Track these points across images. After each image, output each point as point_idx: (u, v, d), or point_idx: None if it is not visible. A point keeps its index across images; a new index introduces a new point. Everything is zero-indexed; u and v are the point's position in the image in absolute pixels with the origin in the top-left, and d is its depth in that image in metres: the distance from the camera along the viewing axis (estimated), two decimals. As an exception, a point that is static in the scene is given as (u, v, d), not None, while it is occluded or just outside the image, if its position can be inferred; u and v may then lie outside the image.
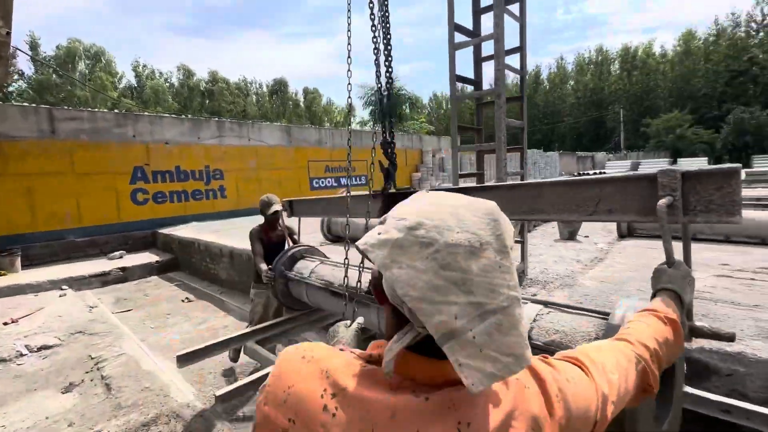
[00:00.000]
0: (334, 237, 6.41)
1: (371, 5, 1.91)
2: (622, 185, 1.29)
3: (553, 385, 0.55)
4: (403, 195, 2.15)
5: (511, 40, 3.16)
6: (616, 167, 28.73)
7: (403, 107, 25.37)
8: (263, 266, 3.20)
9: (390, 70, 2.04)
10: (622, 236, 5.31)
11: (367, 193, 2.26)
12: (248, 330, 2.89)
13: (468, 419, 0.47)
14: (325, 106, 52.28)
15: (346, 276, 1.96)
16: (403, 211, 0.51)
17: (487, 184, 1.67)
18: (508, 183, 1.56)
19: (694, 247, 4.60)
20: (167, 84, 41.03)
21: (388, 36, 1.94)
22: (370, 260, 0.49)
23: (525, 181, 1.54)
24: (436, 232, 0.46)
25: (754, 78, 37.87)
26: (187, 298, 6.30)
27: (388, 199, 2.09)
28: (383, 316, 1.91)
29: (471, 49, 3.48)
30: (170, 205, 10.24)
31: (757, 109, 32.72)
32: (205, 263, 7.32)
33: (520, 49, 3.27)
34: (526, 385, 0.54)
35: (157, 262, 8.13)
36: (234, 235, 7.76)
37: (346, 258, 2.00)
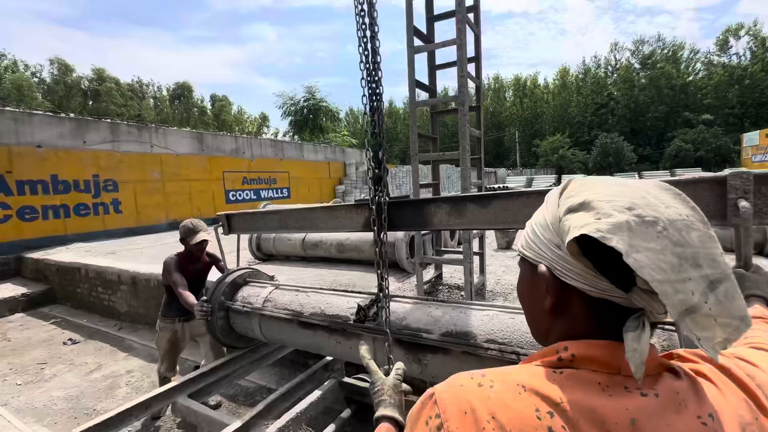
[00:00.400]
0: (265, 255, 5.74)
1: (361, 29, 1.66)
2: (680, 188, 1.20)
3: (743, 375, 0.51)
4: (400, 204, 1.85)
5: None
6: (515, 182, 32.83)
7: (324, 120, 24.90)
8: (190, 297, 2.61)
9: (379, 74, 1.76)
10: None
11: (347, 203, 1.91)
12: (176, 383, 2.25)
13: (707, 411, 0.45)
14: (236, 114, 49.16)
15: (383, 306, 1.57)
16: (603, 193, 0.47)
17: (510, 191, 1.48)
18: (538, 189, 1.41)
19: None
20: (35, 79, 34.38)
21: (377, 56, 1.70)
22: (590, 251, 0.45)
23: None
24: (652, 210, 0.45)
25: (612, 110, 46.37)
26: (70, 339, 5.00)
27: (380, 209, 1.76)
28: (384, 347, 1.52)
29: (423, 56, 3.37)
30: (43, 222, 8.26)
31: (615, 135, 39.98)
32: (96, 293, 5.97)
33: (476, 59, 3.25)
34: (722, 379, 0.51)
35: (23, 295, 6.39)
36: (135, 257, 6.52)
37: (384, 279, 1.61)
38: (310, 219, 2.14)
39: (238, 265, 2.82)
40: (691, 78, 45.54)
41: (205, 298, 2.46)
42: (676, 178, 1.26)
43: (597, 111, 47.27)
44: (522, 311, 1.59)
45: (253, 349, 2.65)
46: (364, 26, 1.73)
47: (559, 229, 0.49)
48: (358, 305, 1.87)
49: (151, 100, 43.04)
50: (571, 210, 0.48)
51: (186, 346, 3.15)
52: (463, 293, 3.50)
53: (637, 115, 44.87)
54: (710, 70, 45.03)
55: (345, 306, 1.97)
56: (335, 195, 17.23)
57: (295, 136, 25.00)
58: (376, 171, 1.87)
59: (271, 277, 2.86)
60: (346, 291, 2.11)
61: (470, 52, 3.26)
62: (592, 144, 41.87)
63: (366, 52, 1.65)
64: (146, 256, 6.56)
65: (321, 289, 2.22)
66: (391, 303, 1.88)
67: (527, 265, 0.56)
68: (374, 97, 1.85)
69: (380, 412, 0.89)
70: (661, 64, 45.17)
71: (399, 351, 1.70)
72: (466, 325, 1.60)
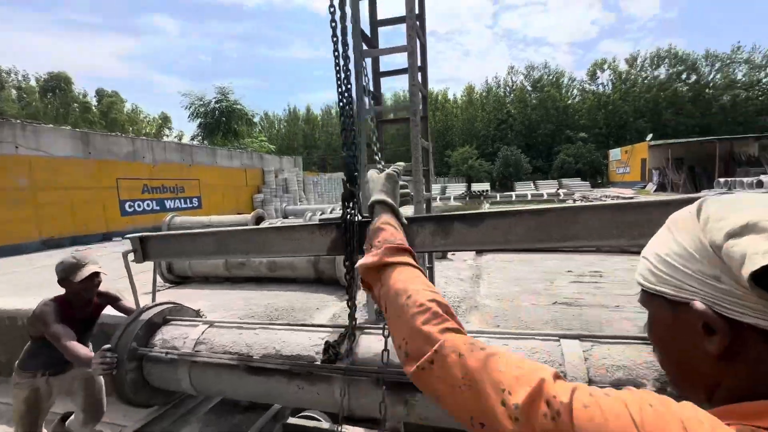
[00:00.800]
0: (178, 278, 4.93)
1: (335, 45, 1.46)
2: (667, 208, 1.21)
3: None
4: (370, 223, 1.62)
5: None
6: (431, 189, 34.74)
7: (239, 123, 23.00)
8: (82, 349, 2.01)
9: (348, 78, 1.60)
10: (478, 251, 5.94)
11: (310, 223, 1.62)
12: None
13: None
14: (129, 113, 43.36)
15: (355, 340, 1.29)
16: (748, 215, 0.41)
17: (508, 209, 1.38)
18: (534, 208, 1.35)
19: (542, 256, 5.42)
20: None
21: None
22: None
23: (555, 206, 1.33)
24: None
25: (511, 126, 52.07)
26: None
27: (351, 230, 1.53)
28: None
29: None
30: None
31: (514, 149, 44.90)
32: (-70, 340, 4.48)
33: (422, 69, 3.19)
34: None
35: None
36: (-7, 287, 5.11)
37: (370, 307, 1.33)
38: (259, 242, 1.78)
39: (154, 299, 2.28)
40: (570, 101, 53.46)
41: (108, 346, 1.90)
42: (677, 197, 1.28)
43: (498, 126, 52.61)
44: (515, 336, 1.48)
45: (177, 404, 2.15)
46: (336, 41, 1.52)
47: (714, 257, 0.42)
48: (327, 342, 1.58)
49: (14, 91, 35.71)
50: (734, 234, 0.41)
51: (51, 407, 2.44)
52: (415, 310, 3.37)
53: (530, 131, 51.05)
54: (584, 95, 53.47)
55: (306, 343, 1.67)
56: (253, 204, 16.06)
57: (205, 141, 22.73)
58: (348, 186, 1.66)
59: (197, 312, 2.38)
60: (305, 325, 1.80)
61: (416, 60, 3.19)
62: (495, 155, 46.36)
63: (339, 66, 1.46)
64: (10, 284, 5.19)
65: (271, 324, 1.87)
66: (364, 336, 1.63)
67: (664, 304, 0.48)
68: (346, 104, 1.66)
69: (374, 197, 0.96)
70: (547, 88, 52.21)
71: (378, 392, 1.46)
72: (458, 359, 1.43)
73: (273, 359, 1.65)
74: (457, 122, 56.61)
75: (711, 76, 46.94)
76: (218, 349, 1.79)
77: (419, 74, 3.18)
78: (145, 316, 2.04)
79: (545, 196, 25.88)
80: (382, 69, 3.44)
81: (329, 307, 3.70)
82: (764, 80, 44.69)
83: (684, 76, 47.33)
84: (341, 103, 1.73)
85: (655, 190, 28.91)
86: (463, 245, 1.49)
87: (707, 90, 46.27)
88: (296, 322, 1.85)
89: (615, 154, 39.21)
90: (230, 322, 1.98)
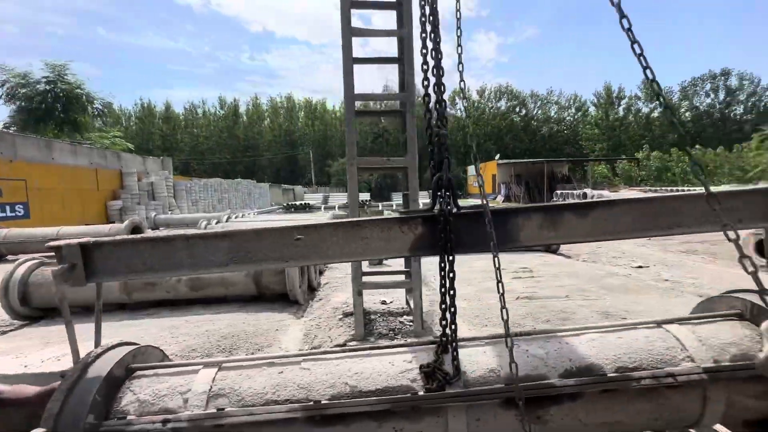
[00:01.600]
0: (36, 310, 3.46)
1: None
2: (750, 197, 1.37)
3: None
4: (469, 216, 1.38)
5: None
6: (313, 198, 34.57)
7: (82, 113, 17.95)
8: None
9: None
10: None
11: (387, 217, 1.29)
12: None
13: None
14: None
15: (457, 355, 0.99)
16: None
17: (613, 198, 1.37)
18: (641, 197, 1.35)
19: (468, 257, 5.75)
20: None
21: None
22: None
23: (660, 194, 1.35)
24: None
25: (387, 140, 55.67)
26: None
27: (435, 225, 1.27)
28: None
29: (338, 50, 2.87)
30: None
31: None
32: None
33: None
34: None
35: None
36: None
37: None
38: (306, 245, 1.34)
39: (98, 341, 1.53)
40: (435, 122, 60.36)
41: (41, 430, 1.16)
42: (741, 188, 1.44)
43: (375, 140, 55.69)
44: (628, 326, 1.45)
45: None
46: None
47: None
48: (430, 365, 1.27)
49: None
50: None
51: None
52: (401, 319, 3.12)
53: (403, 146, 55.67)
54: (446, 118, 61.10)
55: (391, 371, 1.31)
56: (108, 214, 12.89)
57: (28, 132, 17.17)
58: (443, 173, 1.43)
59: (163, 353, 1.69)
60: (375, 348, 1.42)
61: (395, 52, 3.04)
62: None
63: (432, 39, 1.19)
64: None
65: (324, 353, 1.42)
66: (463, 350, 1.37)
67: None
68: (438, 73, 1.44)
69: None
70: (417, 107, 57.89)
71: (508, 414, 1.24)
72: (581, 358, 1.31)
73: (350, 399, 1.24)
74: (337, 133, 57.61)
75: (535, 112, 59.35)
76: (253, 399, 1.26)
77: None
78: (99, 369, 1.31)
79: (421, 206, 28.30)
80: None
81: (290, 327, 3.10)
82: (567, 118, 58.83)
83: (517, 109, 58.63)
84: (430, 74, 1.48)
85: (503, 201, 34.75)
86: (573, 237, 1.40)
87: (533, 122, 58.29)
88: (359, 347, 1.45)
89: (472, 170, 45.84)
90: (252, 358, 1.43)
